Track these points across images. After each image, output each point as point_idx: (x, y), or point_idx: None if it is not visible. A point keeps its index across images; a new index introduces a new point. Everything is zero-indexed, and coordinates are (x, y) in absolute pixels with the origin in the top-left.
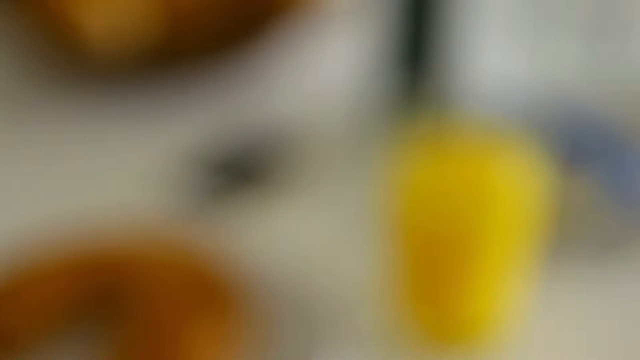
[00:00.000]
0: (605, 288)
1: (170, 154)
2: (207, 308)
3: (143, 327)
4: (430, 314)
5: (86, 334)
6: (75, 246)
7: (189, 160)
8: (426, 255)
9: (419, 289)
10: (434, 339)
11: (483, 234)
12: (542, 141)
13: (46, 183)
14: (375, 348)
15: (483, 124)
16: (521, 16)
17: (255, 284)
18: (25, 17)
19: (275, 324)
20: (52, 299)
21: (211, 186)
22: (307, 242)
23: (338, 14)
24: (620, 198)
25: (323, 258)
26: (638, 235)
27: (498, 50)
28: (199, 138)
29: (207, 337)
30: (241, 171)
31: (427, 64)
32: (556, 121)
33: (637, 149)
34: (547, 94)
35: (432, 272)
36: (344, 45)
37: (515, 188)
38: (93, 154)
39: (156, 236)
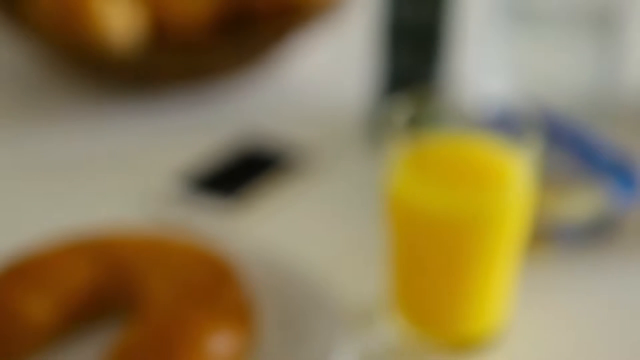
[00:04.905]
0: (587, 280)
1: (172, 163)
2: (208, 307)
3: (149, 319)
4: (430, 315)
5: (91, 334)
6: (79, 245)
7: (185, 174)
8: (426, 254)
9: (418, 291)
10: (432, 336)
11: (479, 231)
12: (528, 144)
13: (43, 199)
14: (374, 343)
15: (476, 133)
16: (507, 35)
17: (254, 283)
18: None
19: (274, 323)
20: (64, 297)
21: (209, 197)
22: (308, 242)
23: (337, 22)
24: (596, 181)
25: (323, 258)
26: (618, 224)
27: (488, 67)
28: (200, 147)
29: (208, 335)
30: (234, 183)
31: (425, 79)
32: (533, 121)
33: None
34: (527, 104)
35: (430, 273)
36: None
37: (509, 188)
38: (90, 167)
39: (158, 236)
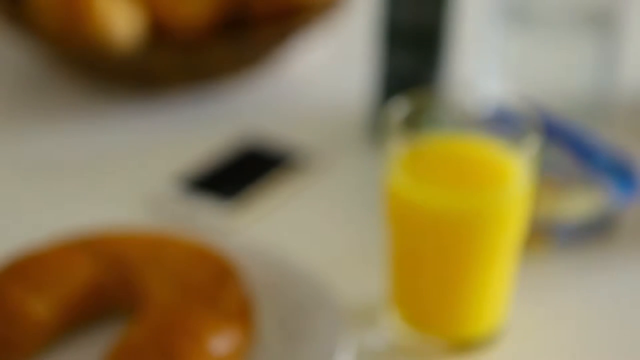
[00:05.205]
0: (586, 278)
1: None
2: (209, 306)
3: (150, 318)
4: (429, 314)
5: (91, 334)
6: (80, 245)
7: (185, 175)
8: (425, 253)
9: (418, 291)
10: (431, 335)
11: (478, 230)
12: (526, 144)
13: (43, 200)
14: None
15: (475, 133)
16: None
17: (254, 282)
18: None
19: (275, 322)
20: (64, 297)
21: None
22: (308, 242)
23: (337, 23)
24: (594, 181)
25: (323, 258)
26: (616, 223)
27: (486, 67)
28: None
29: (209, 333)
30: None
31: (424, 80)
32: (532, 121)
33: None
34: (525, 104)
35: (429, 272)
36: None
37: (508, 188)
38: (91, 168)
39: (158, 235)
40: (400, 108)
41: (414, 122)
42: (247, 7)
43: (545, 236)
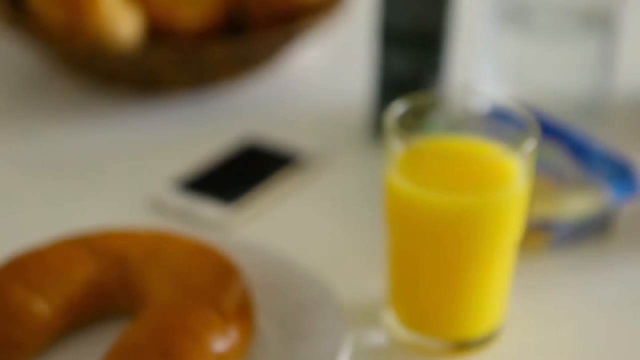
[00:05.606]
0: (583, 277)
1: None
2: (210, 305)
3: (151, 317)
4: (428, 316)
5: (91, 334)
6: (80, 245)
7: (186, 176)
8: (424, 254)
9: (417, 292)
10: (430, 336)
11: (477, 230)
12: (524, 144)
13: (43, 201)
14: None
15: (474, 134)
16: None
17: (255, 282)
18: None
19: (275, 321)
20: (65, 297)
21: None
22: (309, 242)
23: (338, 25)
24: (592, 180)
25: (324, 258)
26: (613, 222)
27: (484, 69)
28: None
29: (209, 332)
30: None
31: (423, 82)
32: (530, 122)
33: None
34: (523, 105)
35: (428, 273)
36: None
37: (506, 188)
38: (92, 168)
39: (159, 235)
40: (399, 109)
41: (413, 123)
42: (246, 8)
43: (543, 236)
